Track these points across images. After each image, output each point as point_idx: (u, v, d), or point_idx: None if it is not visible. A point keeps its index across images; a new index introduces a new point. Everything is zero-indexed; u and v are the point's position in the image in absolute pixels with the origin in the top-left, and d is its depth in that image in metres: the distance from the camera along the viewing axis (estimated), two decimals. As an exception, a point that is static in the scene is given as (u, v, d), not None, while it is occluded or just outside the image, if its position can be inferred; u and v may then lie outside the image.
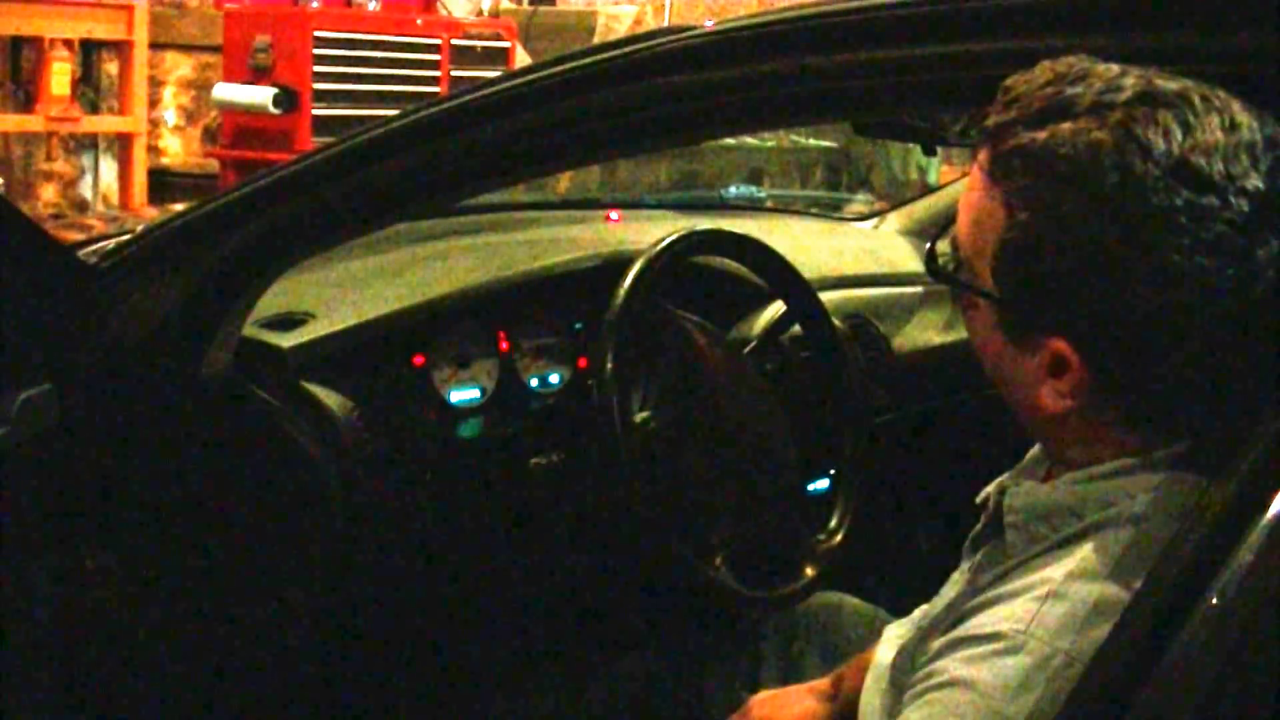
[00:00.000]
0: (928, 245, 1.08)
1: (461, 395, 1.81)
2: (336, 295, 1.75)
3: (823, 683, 1.47)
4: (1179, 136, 0.90)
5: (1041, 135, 0.93)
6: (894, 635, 1.19)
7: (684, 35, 1.19)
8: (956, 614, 1.03)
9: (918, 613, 1.21)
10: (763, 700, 1.49)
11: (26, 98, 6.16)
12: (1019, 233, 0.94)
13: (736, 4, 8.31)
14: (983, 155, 0.97)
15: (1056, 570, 0.96)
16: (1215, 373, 0.95)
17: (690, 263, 1.86)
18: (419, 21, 6.31)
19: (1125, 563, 0.94)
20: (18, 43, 6.15)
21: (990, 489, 1.11)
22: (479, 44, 6.29)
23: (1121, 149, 0.90)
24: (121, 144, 6.38)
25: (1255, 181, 0.91)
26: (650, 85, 1.20)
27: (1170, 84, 0.93)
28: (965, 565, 1.12)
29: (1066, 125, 0.92)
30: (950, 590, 1.14)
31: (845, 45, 1.11)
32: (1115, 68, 0.95)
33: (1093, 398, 0.97)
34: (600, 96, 1.23)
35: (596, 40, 7.01)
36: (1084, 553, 0.96)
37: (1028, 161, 0.93)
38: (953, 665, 0.97)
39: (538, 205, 2.48)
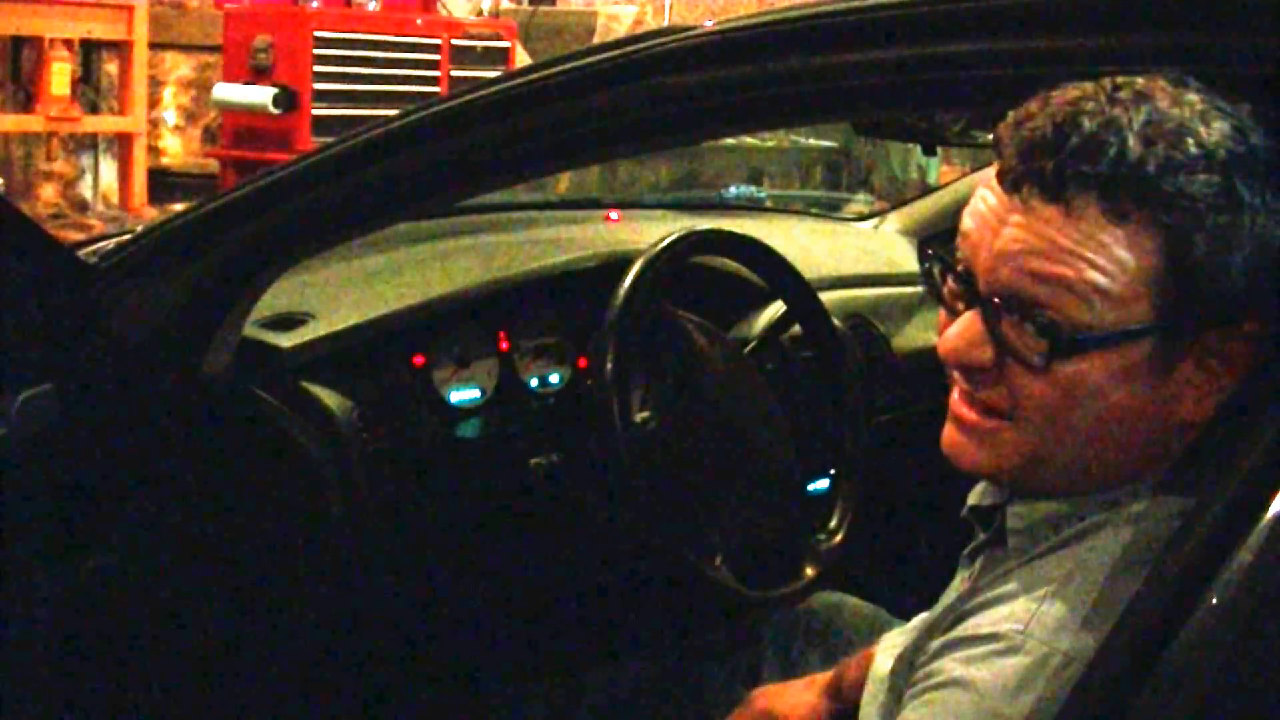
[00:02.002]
0: (1037, 331, 0.94)
1: (461, 395, 1.81)
2: (336, 295, 1.75)
3: (824, 676, 1.46)
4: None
5: (1184, 147, 0.90)
6: (892, 644, 1.19)
7: (684, 35, 1.19)
8: (955, 615, 1.03)
9: (917, 620, 1.21)
10: (765, 692, 1.48)
11: (26, 98, 6.17)
12: (1198, 241, 0.91)
13: (736, 4, 8.32)
14: (1089, 207, 0.91)
15: (1056, 570, 0.96)
16: None
17: (690, 263, 1.86)
18: (419, 21, 6.32)
19: (1125, 563, 0.94)
20: (18, 43, 6.16)
21: (971, 502, 1.11)
22: (479, 44, 6.30)
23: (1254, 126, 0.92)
24: (121, 144, 6.39)
25: None
26: (650, 85, 1.19)
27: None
28: (964, 574, 1.12)
29: (1198, 128, 0.90)
30: (949, 596, 1.14)
31: (845, 45, 1.11)
32: (1105, 83, 0.94)
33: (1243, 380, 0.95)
34: (600, 96, 1.22)
35: (596, 40, 7.01)
36: (1083, 553, 0.96)
37: (1181, 175, 0.90)
38: (951, 665, 0.97)
39: (538, 205, 2.47)
